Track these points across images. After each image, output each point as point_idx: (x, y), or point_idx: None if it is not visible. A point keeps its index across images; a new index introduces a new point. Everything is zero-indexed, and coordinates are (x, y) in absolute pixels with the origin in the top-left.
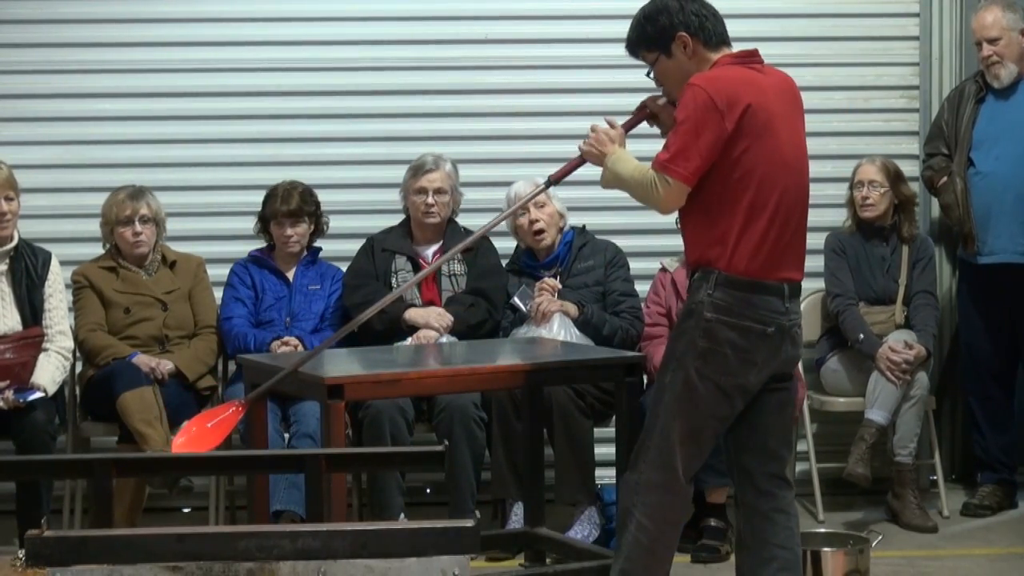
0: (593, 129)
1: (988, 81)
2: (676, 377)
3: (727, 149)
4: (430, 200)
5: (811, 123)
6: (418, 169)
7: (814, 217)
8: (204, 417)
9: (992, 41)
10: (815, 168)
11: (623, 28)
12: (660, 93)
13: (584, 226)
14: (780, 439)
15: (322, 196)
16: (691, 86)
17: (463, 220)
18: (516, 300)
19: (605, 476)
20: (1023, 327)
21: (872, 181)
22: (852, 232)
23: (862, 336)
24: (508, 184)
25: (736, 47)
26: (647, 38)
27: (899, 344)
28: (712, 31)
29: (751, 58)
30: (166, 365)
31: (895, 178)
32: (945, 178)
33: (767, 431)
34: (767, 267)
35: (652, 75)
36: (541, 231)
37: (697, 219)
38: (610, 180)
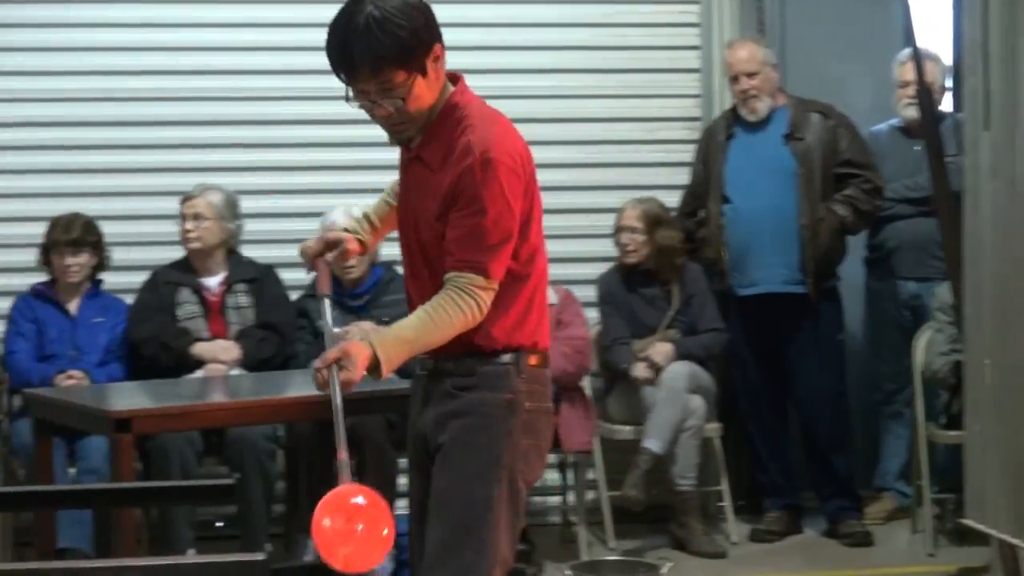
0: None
1: (744, 116)
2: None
3: None
4: (188, 225)
5: (595, 154)
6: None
7: (598, 247)
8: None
9: (751, 75)
10: (598, 198)
11: None
12: None
13: (391, 264)
14: None
15: (105, 228)
16: None
17: (248, 252)
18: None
19: (400, 506)
20: (786, 353)
21: (633, 228)
22: (619, 276)
23: (626, 366)
24: (291, 216)
25: (532, 82)
26: None
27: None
28: None
29: None
30: None
31: (654, 223)
32: (702, 213)
33: None
34: None
35: None
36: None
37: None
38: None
